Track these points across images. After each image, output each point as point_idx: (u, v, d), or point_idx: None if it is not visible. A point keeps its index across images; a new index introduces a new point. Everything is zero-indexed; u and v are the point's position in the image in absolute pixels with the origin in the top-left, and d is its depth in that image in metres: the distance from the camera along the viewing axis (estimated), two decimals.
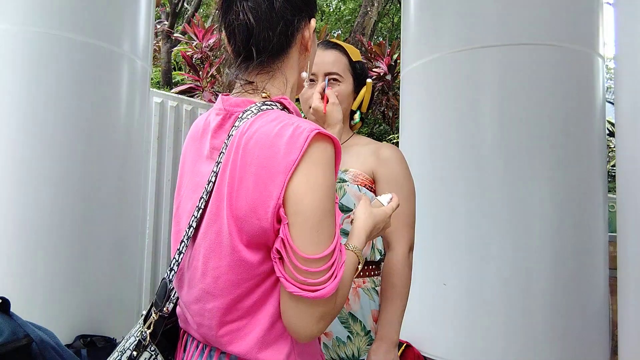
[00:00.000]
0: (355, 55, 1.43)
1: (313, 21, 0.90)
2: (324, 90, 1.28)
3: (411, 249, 1.33)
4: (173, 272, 0.84)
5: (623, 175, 1.71)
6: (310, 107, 1.27)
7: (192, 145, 0.93)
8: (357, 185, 1.32)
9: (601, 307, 2.30)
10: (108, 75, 2.38)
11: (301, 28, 0.88)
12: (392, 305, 1.27)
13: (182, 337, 0.92)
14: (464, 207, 2.34)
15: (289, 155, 0.73)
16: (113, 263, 2.41)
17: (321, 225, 0.73)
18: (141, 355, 0.83)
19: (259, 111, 0.81)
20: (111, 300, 2.38)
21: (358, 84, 1.41)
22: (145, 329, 0.84)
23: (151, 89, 3.31)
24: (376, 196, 1.28)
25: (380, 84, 6.94)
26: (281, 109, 0.83)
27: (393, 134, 7.21)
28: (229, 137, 0.81)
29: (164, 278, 0.85)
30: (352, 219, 0.95)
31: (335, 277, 0.74)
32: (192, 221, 0.83)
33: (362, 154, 1.37)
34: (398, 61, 6.17)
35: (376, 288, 1.35)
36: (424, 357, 2.41)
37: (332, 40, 1.46)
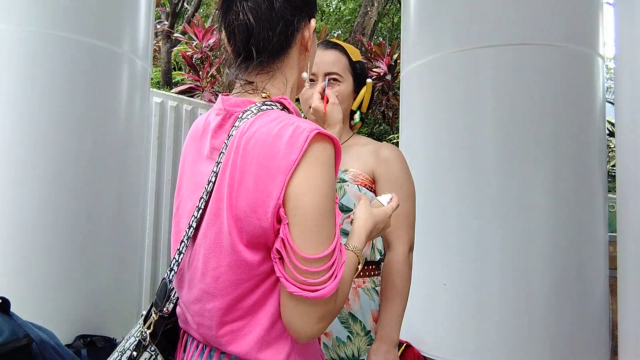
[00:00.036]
0: (355, 55, 1.43)
1: (313, 21, 0.90)
2: (324, 90, 1.28)
3: (411, 248, 1.33)
4: (173, 272, 0.84)
5: (623, 175, 1.71)
6: (310, 107, 1.27)
7: (192, 145, 0.93)
8: (357, 185, 1.32)
9: (601, 307, 2.30)
10: (108, 75, 2.38)
11: (301, 28, 0.88)
12: (392, 305, 1.27)
13: (182, 337, 0.92)
14: (464, 206, 2.34)
15: (289, 155, 0.73)
16: (113, 263, 2.41)
17: (321, 225, 0.73)
18: (141, 355, 0.83)
19: (259, 111, 0.81)
20: (111, 300, 2.38)
21: (358, 84, 1.41)
22: (145, 329, 0.84)
23: (151, 89, 3.31)
24: (376, 196, 1.28)
25: (380, 84, 6.94)
26: (281, 109, 0.83)
27: (393, 134, 7.21)
28: (229, 137, 0.81)
29: (164, 278, 0.85)
30: (352, 219, 0.95)
31: (335, 277, 0.74)
32: (192, 221, 0.83)
33: (362, 154, 1.37)
34: (398, 61, 6.17)
35: (376, 288, 1.35)
36: (424, 357, 2.41)
37: (332, 40, 1.46)
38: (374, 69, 6.98)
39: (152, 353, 0.83)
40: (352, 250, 0.85)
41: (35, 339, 1.25)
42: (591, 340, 2.25)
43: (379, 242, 1.35)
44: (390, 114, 7.36)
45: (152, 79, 5.47)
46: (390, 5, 11.48)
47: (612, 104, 1.91)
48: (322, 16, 12.55)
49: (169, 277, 0.84)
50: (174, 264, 0.84)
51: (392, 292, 1.28)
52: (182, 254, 0.84)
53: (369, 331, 1.31)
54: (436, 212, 2.42)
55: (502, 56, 2.31)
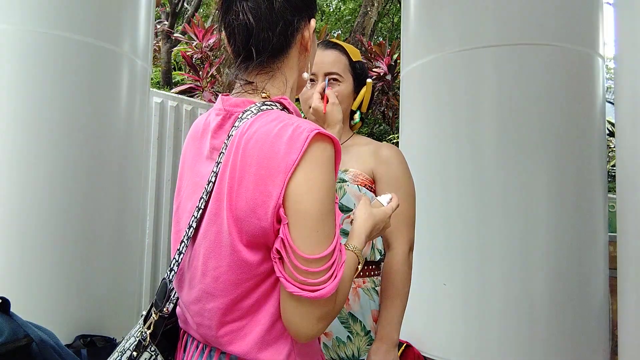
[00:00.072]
0: (355, 55, 1.43)
1: (313, 21, 0.90)
2: (324, 90, 1.28)
3: (411, 248, 1.33)
4: (173, 272, 0.84)
5: (623, 175, 1.70)
6: (310, 107, 1.27)
7: (192, 145, 0.93)
8: (357, 185, 1.32)
9: (601, 307, 2.30)
10: (108, 75, 2.38)
11: (301, 28, 0.88)
12: (392, 305, 1.27)
13: (182, 338, 0.92)
14: (464, 207, 2.34)
15: (289, 155, 0.73)
16: (113, 263, 2.41)
17: (321, 225, 0.73)
18: (141, 355, 0.83)
19: (259, 111, 0.81)
20: (111, 300, 2.38)
21: (358, 84, 1.41)
22: (145, 330, 0.84)
23: (151, 89, 3.31)
24: (376, 196, 1.28)
25: (380, 84, 6.94)
26: (281, 109, 0.83)
27: (393, 134, 7.21)
28: (229, 137, 0.81)
29: (164, 278, 0.85)
30: (352, 219, 0.95)
31: (335, 277, 0.74)
32: (192, 221, 0.83)
33: (362, 154, 1.37)
34: (398, 61, 6.17)
35: (376, 288, 1.35)
36: (424, 357, 2.41)
37: (332, 40, 1.46)
38: (374, 69, 6.98)
39: (152, 353, 0.83)
40: (352, 250, 0.85)
41: (35, 339, 1.25)
42: (591, 340, 2.25)
43: (379, 242, 1.35)
44: (390, 114, 7.35)
45: (152, 79, 5.47)
46: (390, 5, 11.47)
47: (612, 104, 1.91)
48: (322, 16, 12.55)
49: (169, 277, 0.84)
50: (173, 264, 0.84)
51: (392, 292, 1.28)
52: (182, 254, 0.84)
53: (369, 331, 1.31)
54: (436, 212, 2.41)
55: (502, 56, 2.31)
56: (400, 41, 3.60)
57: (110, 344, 2.21)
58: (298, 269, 0.73)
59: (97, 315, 2.30)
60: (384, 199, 1.03)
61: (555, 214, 2.23)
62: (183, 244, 0.84)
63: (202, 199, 0.82)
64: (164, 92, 4.31)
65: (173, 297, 0.91)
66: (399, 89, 3.89)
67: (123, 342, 0.87)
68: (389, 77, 6.93)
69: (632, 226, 1.61)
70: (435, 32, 2.55)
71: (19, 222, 2.12)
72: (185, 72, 7.51)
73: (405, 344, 2.42)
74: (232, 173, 0.77)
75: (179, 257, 0.84)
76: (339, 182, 1.32)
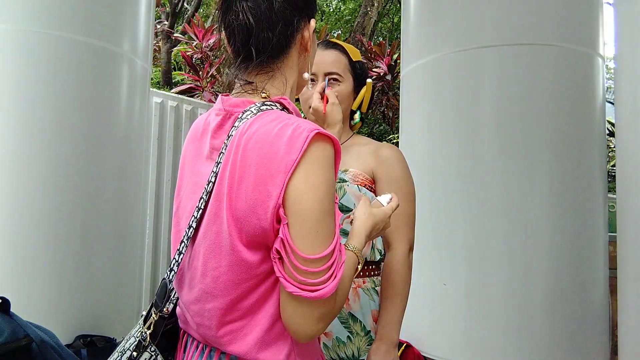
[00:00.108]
0: (355, 55, 1.43)
1: (313, 21, 0.90)
2: (323, 90, 1.28)
3: (411, 248, 1.33)
4: (173, 272, 0.84)
5: (623, 175, 1.71)
6: (310, 107, 1.27)
7: (192, 145, 0.93)
8: (357, 185, 1.32)
9: (601, 307, 2.30)
10: (108, 75, 2.38)
11: (301, 28, 0.88)
12: (392, 305, 1.27)
13: (182, 338, 0.92)
14: (464, 207, 2.34)
15: (289, 155, 0.73)
16: (113, 263, 2.41)
17: (321, 225, 0.73)
18: (141, 355, 0.83)
19: (259, 111, 0.81)
20: (111, 300, 2.38)
21: (358, 84, 1.41)
22: (145, 330, 0.84)
23: (151, 89, 3.31)
24: (376, 196, 1.28)
25: (380, 84, 6.93)
26: (281, 109, 0.83)
27: (393, 134, 7.21)
28: (229, 137, 0.81)
29: (163, 278, 0.85)
30: (352, 219, 0.95)
31: (335, 277, 0.74)
32: (192, 221, 0.83)
33: (362, 154, 1.37)
34: (398, 61, 6.16)
35: (376, 288, 1.35)
36: (424, 357, 2.41)
37: (332, 40, 1.46)
38: (374, 69, 6.98)
39: (152, 353, 0.83)
40: (351, 250, 0.85)
41: (35, 339, 1.25)
42: (591, 340, 2.25)
43: (379, 242, 1.35)
44: (390, 114, 7.35)
45: (152, 79, 5.47)
46: (390, 5, 11.47)
47: (612, 104, 1.91)
48: (322, 16, 12.55)
49: (168, 278, 0.84)
50: (173, 264, 0.84)
51: (392, 292, 1.28)
52: (182, 254, 0.84)
53: (369, 331, 1.31)
54: (436, 212, 2.41)
55: (502, 56, 2.31)
56: (400, 41, 3.60)
57: (110, 344, 2.21)
58: (298, 269, 0.73)
59: (97, 315, 2.30)
60: (383, 199, 1.03)
61: (555, 214, 2.23)
62: (183, 244, 0.84)
63: (202, 199, 0.82)
64: (164, 92, 4.31)
65: (173, 297, 0.91)
66: (399, 89, 3.89)
67: (123, 342, 0.87)
68: (389, 77, 6.93)
69: (632, 226, 1.61)
70: (435, 32, 2.55)
71: (19, 222, 2.12)
72: (185, 72, 7.51)
73: (405, 344, 2.42)
74: (232, 173, 0.77)
75: (178, 257, 0.84)
76: (339, 182, 1.32)
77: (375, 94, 6.71)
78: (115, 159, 2.41)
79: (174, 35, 8.04)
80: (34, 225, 2.14)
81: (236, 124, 0.81)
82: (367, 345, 1.30)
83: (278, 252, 0.74)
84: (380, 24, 11.61)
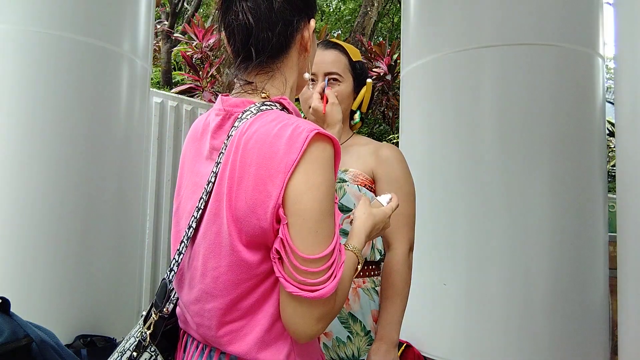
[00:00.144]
0: (355, 55, 1.43)
1: (312, 22, 0.90)
2: (323, 90, 1.28)
3: (411, 249, 1.33)
4: (173, 272, 0.84)
5: (623, 175, 1.70)
6: (310, 107, 1.27)
7: (192, 145, 0.93)
8: (357, 185, 1.32)
9: (601, 307, 2.30)
10: (108, 75, 2.38)
11: (300, 28, 0.88)
12: (392, 305, 1.27)
13: (182, 338, 0.92)
14: (464, 207, 2.34)
15: (289, 156, 0.73)
16: (113, 263, 2.41)
17: (320, 225, 0.73)
18: (141, 355, 0.83)
19: (259, 111, 0.81)
20: (111, 300, 2.38)
21: (358, 84, 1.41)
22: (145, 330, 0.84)
23: (151, 89, 3.31)
24: (376, 196, 1.28)
25: (380, 84, 6.93)
26: (280, 109, 0.83)
27: (393, 134, 7.20)
28: (229, 137, 0.81)
29: (163, 278, 0.85)
30: (352, 219, 0.95)
31: (335, 277, 0.74)
32: (192, 221, 0.83)
33: (362, 154, 1.37)
34: (398, 61, 6.16)
35: (376, 288, 1.35)
36: (424, 357, 2.41)
37: (332, 40, 1.46)
38: (374, 69, 6.97)
39: (152, 353, 0.83)
40: (351, 251, 0.85)
41: (35, 339, 1.25)
42: (591, 340, 2.25)
43: (379, 242, 1.35)
44: (390, 114, 7.35)
45: (152, 79, 5.47)
46: (390, 5, 11.47)
47: (612, 104, 1.91)
48: (322, 16, 12.55)
49: (168, 278, 0.84)
50: (173, 265, 0.84)
51: (392, 292, 1.28)
52: (181, 255, 0.84)
53: (369, 331, 1.31)
54: (436, 212, 2.41)
55: (502, 56, 2.31)
56: (400, 41, 3.60)
57: (110, 344, 2.21)
58: (297, 269, 0.73)
59: (97, 315, 2.30)
60: (383, 199, 1.03)
61: (555, 214, 2.23)
62: (183, 244, 0.84)
63: (202, 199, 0.82)
64: (164, 92, 4.31)
65: (173, 297, 0.91)
66: (399, 89, 3.89)
67: (123, 342, 0.87)
68: (389, 77, 6.92)
69: (632, 226, 1.61)
70: (435, 32, 2.55)
71: (19, 222, 2.12)
72: (185, 72, 7.51)
73: (405, 344, 2.42)
74: (232, 173, 0.77)
75: (178, 257, 0.84)
76: (339, 182, 1.32)
77: (375, 94, 6.71)
78: (115, 159, 2.41)
79: (174, 35, 8.04)
80: (34, 226, 2.13)
81: (236, 124, 0.81)
82: (367, 345, 1.30)
83: (278, 252, 0.74)
84: (380, 24, 11.61)
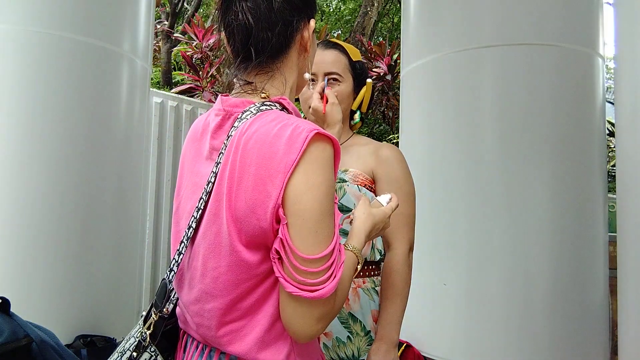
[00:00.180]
0: (355, 55, 1.43)
1: (312, 22, 0.90)
2: (323, 90, 1.28)
3: (411, 249, 1.33)
4: (173, 272, 0.84)
5: (623, 175, 1.70)
6: (310, 107, 1.27)
7: (192, 145, 0.93)
8: (357, 185, 1.32)
9: (601, 307, 2.30)
10: (108, 75, 2.38)
11: (300, 29, 0.88)
12: (392, 305, 1.27)
13: (182, 338, 0.92)
14: (464, 207, 2.34)
15: (288, 156, 0.73)
16: (113, 263, 2.41)
17: (320, 225, 0.73)
18: (141, 356, 0.83)
19: (258, 111, 0.81)
20: (111, 300, 2.38)
21: (358, 84, 1.41)
22: (145, 330, 0.84)
23: (151, 89, 3.31)
24: (376, 196, 1.28)
25: (380, 84, 6.93)
26: (280, 110, 0.83)
27: (393, 134, 7.20)
28: (228, 137, 0.81)
29: (163, 279, 0.85)
30: (352, 219, 0.95)
31: (334, 277, 0.74)
32: (192, 222, 0.83)
33: (362, 154, 1.37)
34: (398, 61, 6.16)
35: (376, 288, 1.35)
36: (424, 357, 2.41)
37: (332, 40, 1.46)
38: (374, 69, 6.97)
39: (152, 354, 0.83)
40: (351, 251, 0.85)
41: (35, 339, 1.25)
42: (591, 340, 2.25)
43: (378, 242, 1.35)
44: (390, 114, 7.35)
45: (152, 79, 5.47)
46: (390, 5, 11.47)
47: (612, 104, 1.91)
48: (322, 16, 12.54)
49: (168, 278, 0.84)
50: (173, 265, 0.84)
51: (392, 292, 1.28)
52: (181, 255, 0.84)
53: (369, 331, 1.31)
54: (436, 212, 2.41)
55: (502, 56, 2.31)
56: (400, 41, 3.60)
57: (110, 344, 2.21)
58: (297, 269, 0.73)
59: (97, 315, 2.30)
60: (383, 199, 1.03)
61: (555, 214, 2.23)
62: (183, 244, 0.84)
63: (202, 200, 0.82)
64: (164, 92, 4.31)
65: (173, 297, 0.91)
66: (399, 89, 3.89)
67: (123, 342, 0.87)
68: (389, 77, 6.92)
69: (632, 226, 1.61)
70: (435, 32, 2.55)
71: (19, 222, 2.12)
72: (185, 72, 7.51)
73: (405, 344, 2.42)
74: (232, 173, 0.77)
75: (178, 257, 0.84)
76: (339, 182, 1.32)
77: (375, 94, 6.71)
78: (115, 159, 2.41)
79: (174, 35, 8.04)
80: (34, 226, 2.13)
81: (236, 124, 0.81)
82: (367, 345, 1.30)
83: (277, 252, 0.74)
84: (380, 24, 11.61)
